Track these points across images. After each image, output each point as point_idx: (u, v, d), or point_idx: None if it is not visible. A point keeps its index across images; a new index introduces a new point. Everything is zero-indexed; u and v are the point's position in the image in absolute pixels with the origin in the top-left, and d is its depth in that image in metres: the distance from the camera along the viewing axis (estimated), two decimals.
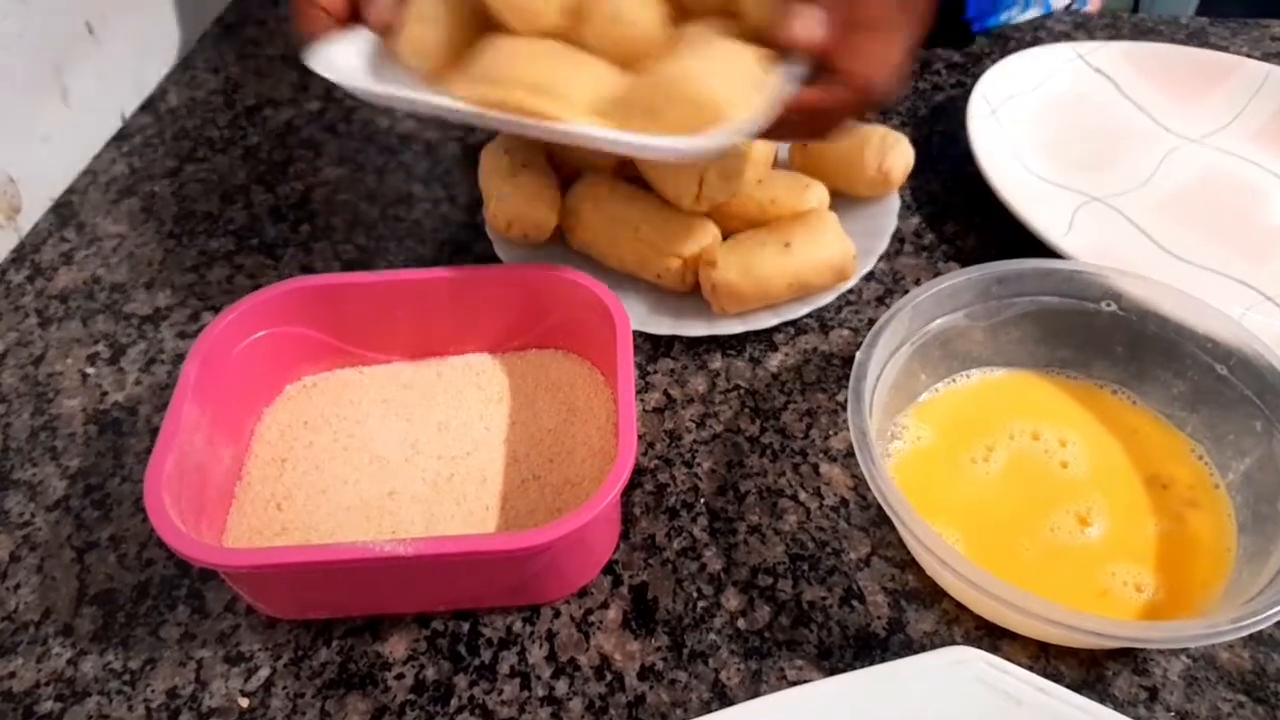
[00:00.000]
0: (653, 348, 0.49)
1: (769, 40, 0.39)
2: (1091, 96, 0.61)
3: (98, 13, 0.64)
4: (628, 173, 0.52)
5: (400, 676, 0.37)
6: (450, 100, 0.40)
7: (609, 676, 0.37)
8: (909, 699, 0.31)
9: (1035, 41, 0.67)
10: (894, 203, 0.52)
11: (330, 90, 0.69)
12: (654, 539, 0.41)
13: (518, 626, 0.38)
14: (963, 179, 0.55)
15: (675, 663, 0.37)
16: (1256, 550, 0.37)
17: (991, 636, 0.37)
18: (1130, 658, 0.37)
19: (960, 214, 0.55)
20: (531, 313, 0.45)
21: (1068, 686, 0.31)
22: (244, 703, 0.37)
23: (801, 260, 0.46)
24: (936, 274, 0.52)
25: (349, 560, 0.34)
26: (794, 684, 0.36)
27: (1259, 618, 0.31)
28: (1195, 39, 0.68)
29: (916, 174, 0.54)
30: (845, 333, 0.49)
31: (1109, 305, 0.42)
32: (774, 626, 0.38)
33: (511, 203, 0.49)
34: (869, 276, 0.52)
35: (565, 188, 0.51)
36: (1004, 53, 0.63)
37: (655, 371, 0.48)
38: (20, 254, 0.57)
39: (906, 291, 0.45)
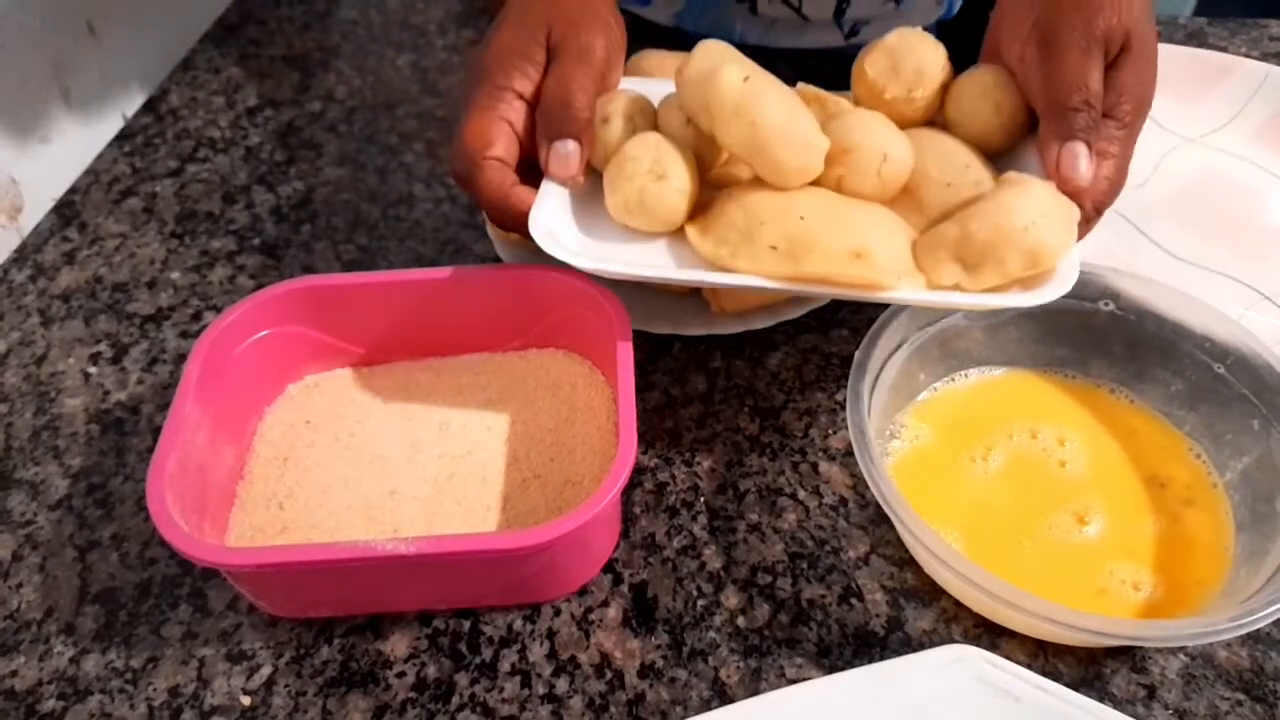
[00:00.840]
0: (653, 347, 0.49)
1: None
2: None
3: (99, 13, 0.64)
4: None
5: (401, 675, 0.37)
6: (752, 279, 0.38)
7: (609, 674, 0.37)
8: (908, 697, 0.31)
9: None
10: None
11: (330, 91, 0.70)
12: (654, 538, 0.41)
13: (518, 625, 0.39)
14: None
15: (675, 661, 0.37)
16: (1254, 549, 0.37)
17: (990, 635, 0.37)
18: (1128, 656, 0.37)
19: None
20: (532, 312, 0.45)
21: (1066, 684, 0.31)
22: (246, 701, 0.37)
23: None
24: None
25: (350, 559, 0.34)
26: (793, 682, 0.36)
27: (1257, 616, 0.31)
28: (1194, 39, 0.68)
29: None
30: (844, 332, 0.49)
31: (1107, 305, 0.42)
32: (773, 625, 0.38)
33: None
34: None
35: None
36: None
37: (655, 371, 0.48)
38: (22, 254, 0.57)
39: None
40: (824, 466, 0.44)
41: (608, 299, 0.42)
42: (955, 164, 0.40)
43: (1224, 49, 0.65)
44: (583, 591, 0.39)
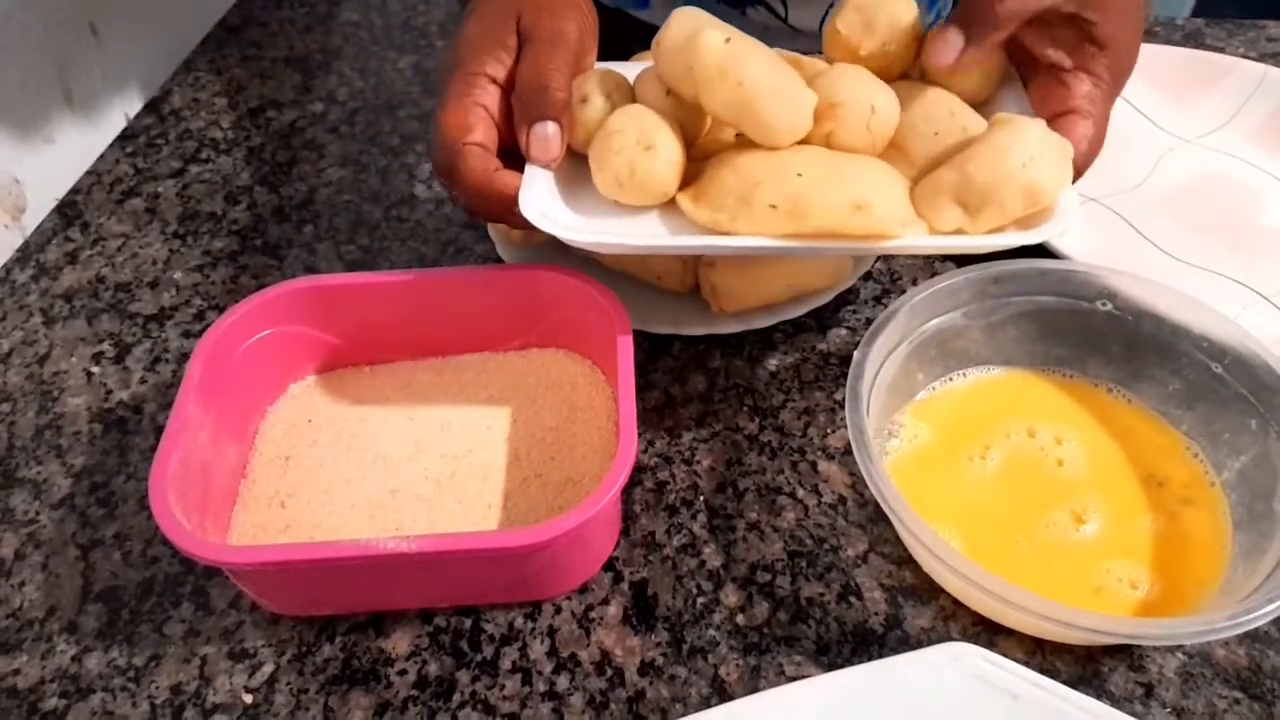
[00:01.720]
0: (653, 347, 0.49)
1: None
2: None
3: (101, 14, 0.65)
4: None
5: (403, 672, 0.37)
6: (755, 240, 0.37)
7: (609, 672, 0.37)
8: (906, 694, 0.31)
9: None
10: None
11: (332, 92, 0.70)
12: (654, 536, 0.41)
13: (519, 622, 0.39)
14: None
15: (675, 658, 0.37)
16: (1252, 547, 0.37)
17: (988, 633, 0.38)
18: (1126, 654, 0.37)
19: None
20: (533, 312, 0.45)
21: (1064, 683, 0.31)
22: (248, 699, 0.37)
23: (799, 260, 0.47)
24: (934, 274, 0.52)
25: (352, 558, 0.34)
26: (792, 679, 0.36)
27: (1254, 615, 0.31)
28: (1191, 40, 0.68)
29: None
30: (843, 332, 0.49)
31: (1105, 304, 0.43)
32: (772, 622, 0.38)
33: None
34: (867, 276, 0.52)
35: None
36: None
37: (655, 370, 0.48)
38: (25, 254, 0.57)
39: (904, 291, 0.45)
40: (823, 465, 0.44)
41: (608, 299, 0.42)
42: (940, 112, 0.41)
43: (1221, 50, 0.65)
44: (583, 589, 0.40)
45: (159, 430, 0.47)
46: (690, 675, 0.37)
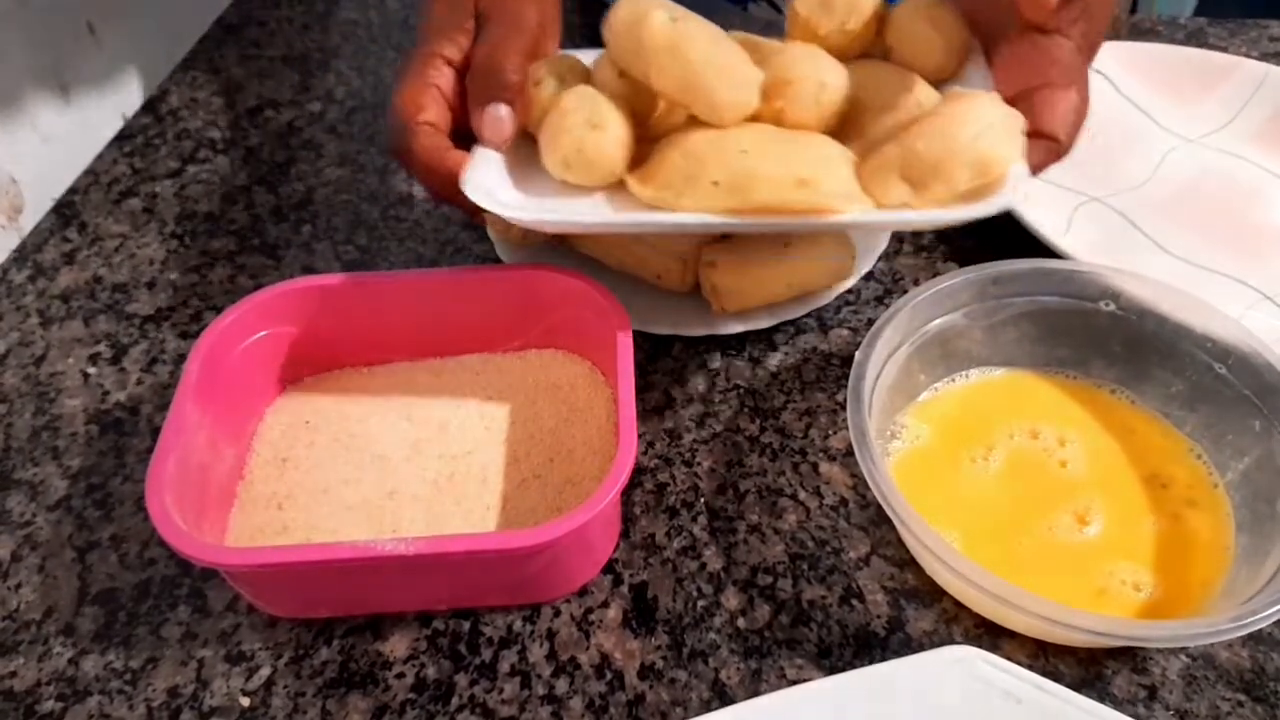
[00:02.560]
0: (653, 348, 0.49)
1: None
2: (1090, 97, 0.61)
3: (99, 13, 0.64)
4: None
5: (401, 675, 0.37)
6: (697, 217, 0.38)
7: (609, 675, 0.37)
8: (908, 698, 0.31)
9: None
10: None
11: (330, 91, 0.70)
12: (654, 538, 0.41)
13: (518, 625, 0.39)
14: None
15: (675, 662, 0.37)
16: (1255, 549, 0.37)
17: (991, 635, 0.37)
18: (1129, 656, 0.37)
19: None
20: (532, 313, 0.45)
21: (1067, 685, 0.31)
22: (245, 702, 0.37)
23: (800, 260, 0.46)
24: (935, 274, 0.52)
25: (350, 560, 0.34)
26: (794, 683, 0.36)
27: (1258, 617, 0.31)
28: (1194, 39, 0.68)
29: None
30: (844, 332, 0.49)
31: (1108, 305, 0.42)
32: (774, 625, 0.38)
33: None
34: (868, 276, 0.52)
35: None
36: None
37: (655, 371, 0.48)
38: (22, 254, 0.57)
39: (905, 291, 0.45)
40: (824, 467, 0.44)
41: (608, 299, 0.42)
42: (895, 89, 0.41)
43: (1224, 49, 0.65)
44: (583, 592, 0.39)
45: (156, 432, 0.46)
46: (690, 679, 0.37)
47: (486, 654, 0.38)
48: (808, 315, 0.49)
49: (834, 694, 0.31)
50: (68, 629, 0.39)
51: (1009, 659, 0.31)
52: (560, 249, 0.52)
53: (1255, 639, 0.37)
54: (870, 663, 0.33)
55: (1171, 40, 0.67)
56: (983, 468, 0.41)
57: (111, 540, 0.42)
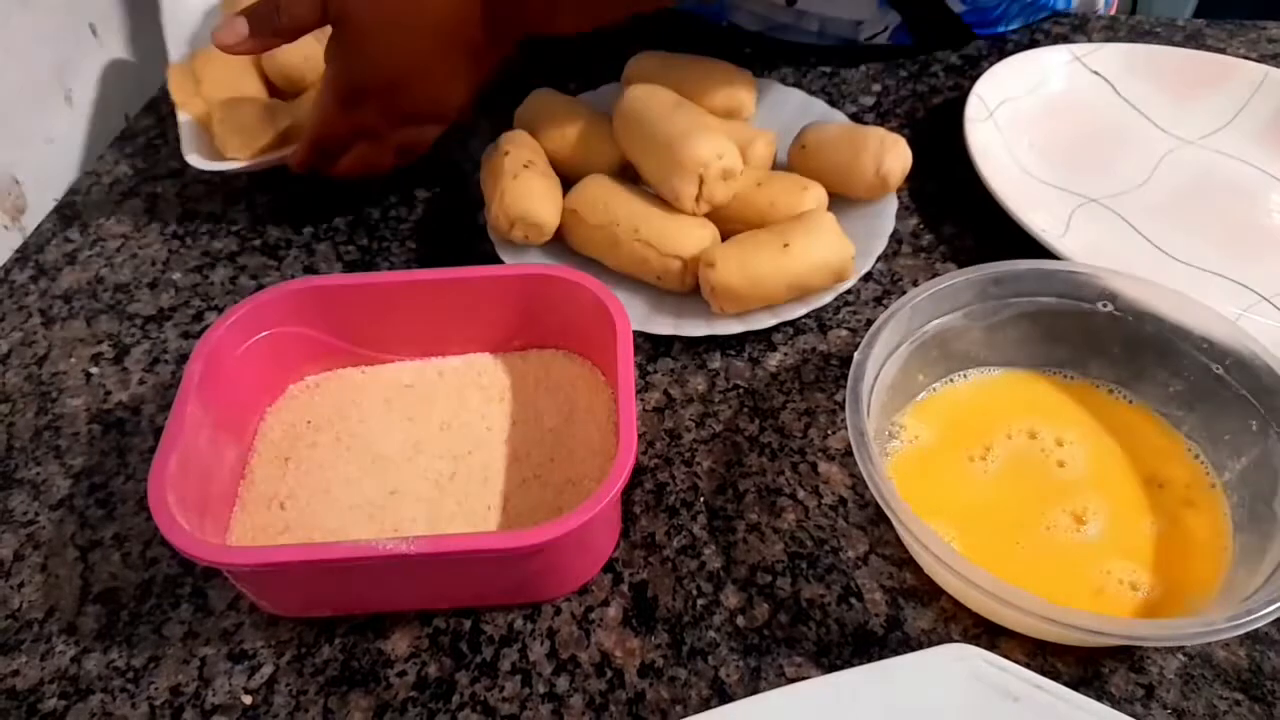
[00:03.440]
0: (653, 348, 0.49)
1: None
2: (1088, 98, 0.61)
3: (101, 14, 0.65)
4: (628, 174, 0.52)
5: (402, 674, 0.37)
6: None
7: (609, 673, 0.37)
8: (907, 696, 0.31)
9: (1032, 44, 0.68)
10: (892, 204, 0.53)
11: None
12: (654, 537, 0.41)
13: (519, 624, 0.39)
14: (960, 181, 0.56)
15: (675, 660, 0.37)
16: (1252, 549, 0.37)
17: (989, 634, 0.37)
18: (1127, 655, 0.37)
19: (958, 215, 0.56)
20: (532, 313, 0.45)
21: (1065, 684, 0.31)
22: (247, 700, 0.37)
23: (800, 261, 0.47)
24: (934, 275, 0.52)
25: (352, 559, 0.34)
26: (792, 681, 0.36)
27: (1255, 616, 0.31)
28: (1192, 41, 0.68)
29: (914, 175, 0.54)
30: (843, 333, 0.49)
31: (1106, 306, 0.43)
32: (773, 624, 0.38)
33: (513, 204, 0.49)
34: (867, 277, 0.52)
35: (566, 189, 0.51)
36: (1001, 55, 0.63)
37: (655, 371, 0.48)
38: (25, 254, 0.57)
39: (904, 292, 0.45)
40: (823, 466, 0.44)
41: (608, 299, 0.42)
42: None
43: (1223, 50, 0.65)
44: (583, 591, 0.40)
45: (158, 431, 0.46)
46: (690, 677, 0.37)
47: (487, 652, 0.38)
48: (807, 315, 0.49)
49: (832, 692, 0.31)
50: (70, 628, 0.39)
51: (1007, 658, 0.32)
52: (561, 250, 0.52)
53: (1252, 638, 0.37)
54: (869, 661, 0.33)
55: (1170, 42, 0.67)
56: (981, 468, 0.41)
57: (114, 539, 0.42)
